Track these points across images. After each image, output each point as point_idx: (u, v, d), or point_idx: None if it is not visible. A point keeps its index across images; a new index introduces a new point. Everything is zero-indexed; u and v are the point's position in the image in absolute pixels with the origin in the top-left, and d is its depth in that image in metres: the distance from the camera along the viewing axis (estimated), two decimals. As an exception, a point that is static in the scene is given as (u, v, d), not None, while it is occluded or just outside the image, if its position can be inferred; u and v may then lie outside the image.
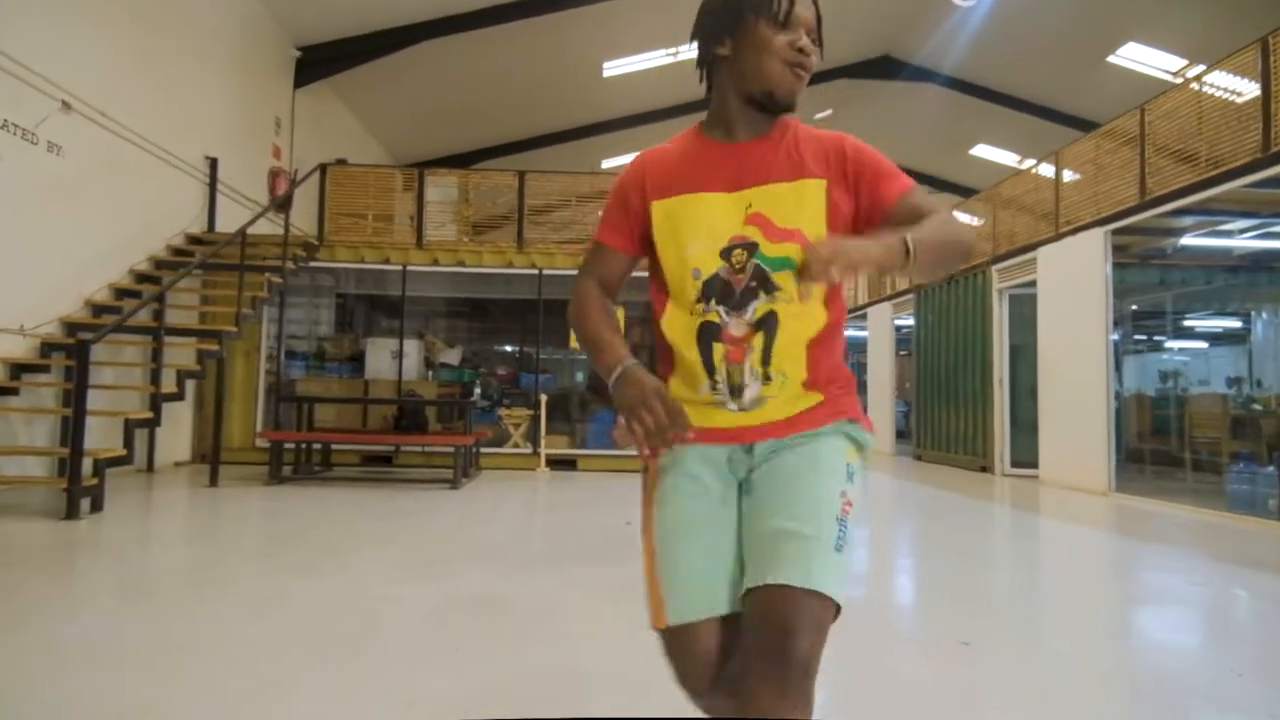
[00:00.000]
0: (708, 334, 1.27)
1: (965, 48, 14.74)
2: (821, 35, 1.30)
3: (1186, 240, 8.48)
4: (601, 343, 1.30)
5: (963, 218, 12.09)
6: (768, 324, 1.25)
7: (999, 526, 6.47)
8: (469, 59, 12.75)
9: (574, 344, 9.91)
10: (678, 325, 1.30)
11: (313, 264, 9.28)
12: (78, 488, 5.00)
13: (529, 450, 9.27)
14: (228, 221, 9.39)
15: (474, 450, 8.52)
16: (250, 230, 8.28)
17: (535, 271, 9.55)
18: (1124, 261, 9.18)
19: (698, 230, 1.28)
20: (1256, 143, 6.03)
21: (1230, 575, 4.50)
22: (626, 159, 15.98)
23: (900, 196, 1.26)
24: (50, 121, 6.61)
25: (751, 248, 1.26)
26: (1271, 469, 6.18)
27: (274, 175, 11.11)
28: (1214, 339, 17.85)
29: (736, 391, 1.26)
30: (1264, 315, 11.83)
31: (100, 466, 5.29)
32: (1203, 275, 10.03)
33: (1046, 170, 9.49)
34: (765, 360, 1.25)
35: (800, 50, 1.25)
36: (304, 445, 8.24)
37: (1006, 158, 17.74)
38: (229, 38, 9.62)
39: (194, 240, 8.83)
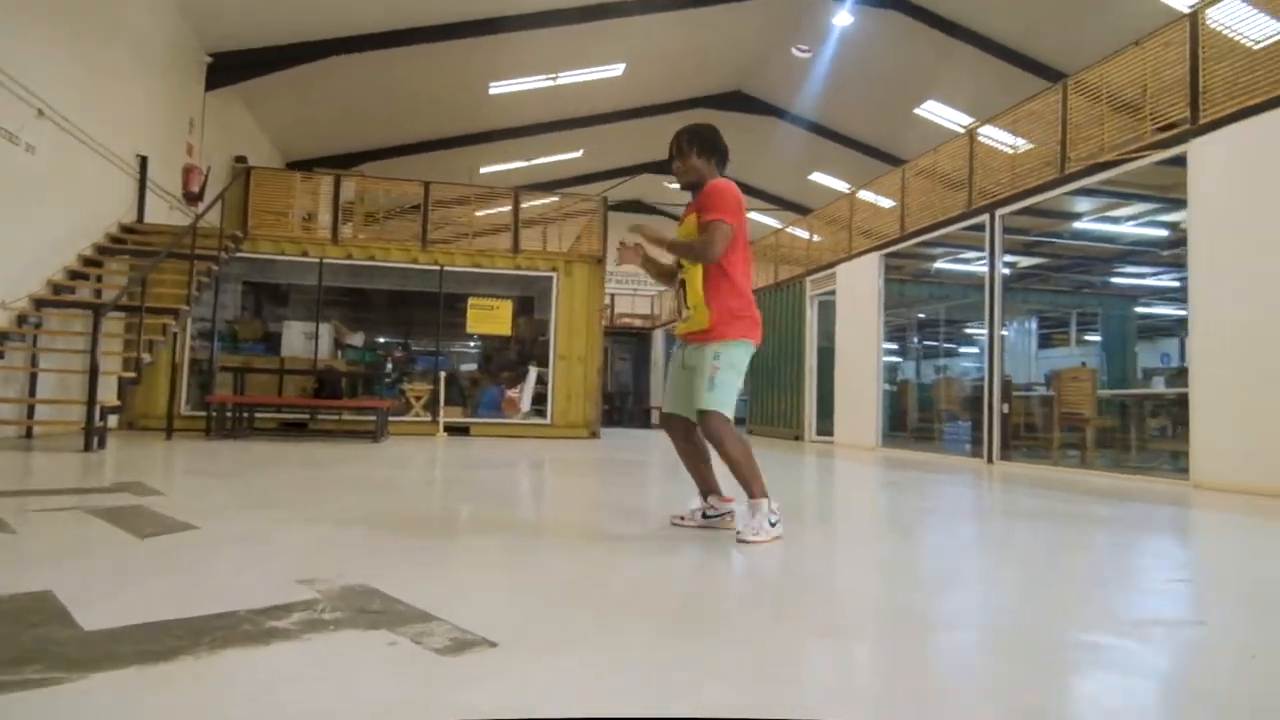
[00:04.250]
0: (677, 288, 3.24)
1: (805, 91, 17.57)
2: (683, 151, 3.22)
3: (943, 265, 11.37)
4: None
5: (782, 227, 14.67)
6: (682, 285, 3.18)
7: (798, 465, 8.86)
8: (367, 73, 14.08)
9: (470, 329, 11.70)
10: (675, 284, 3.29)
11: (240, 255, 10.55)
12: (93, 427, 6.39)
13: (429, 419, 10.96)
14: (153, 213, 10.50)
15: (385, 415, 10.13)
16: (172, 222, 9.51)
17: (437, 268, 11.26)
18: (902, 279, 11.99)
19: None
20: (965, 199, 8.78)
21: (920, 477, 7.01)
22: (503, 166, 17.94)
23: (702, 225, 3.08)
24: (29, 126, 7.76)
25: None
26: (968, 424, 8.96)
27: (187, 171, 12.13)
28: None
29: (680, 311, 3.25)
30: (1012, 325, 15.21)
31: (105, 413, 6.66)
32: (961, 291, 13.09)
33: (863, 198, 12.20)
34: (686, 301, 3.17)
35: (674, 174, 3.26)
36: (233, 411, 9.57)
37: (839, 184, 20.73)
38: (156, 46, 10.67)
39: (127, 230, 9.90)
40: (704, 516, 3.28)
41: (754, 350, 3.17)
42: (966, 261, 11.19)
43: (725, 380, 3.01)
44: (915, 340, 16.39)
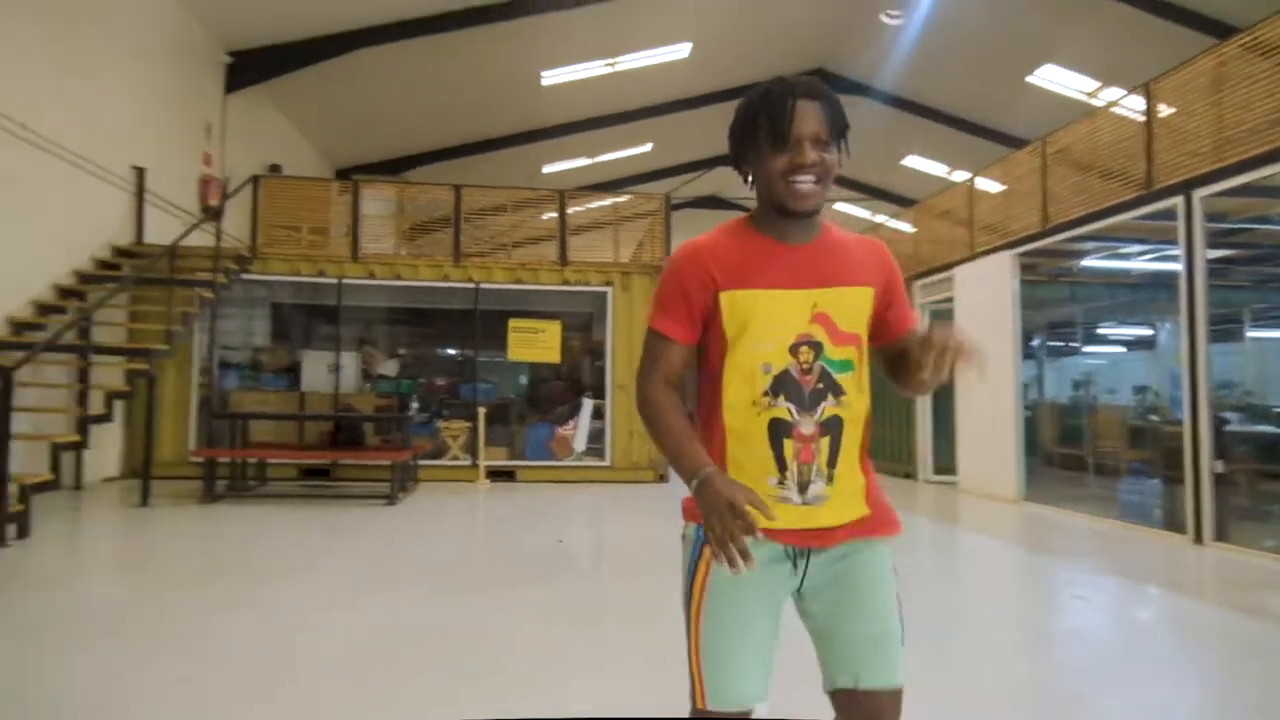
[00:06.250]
0: (779, 430, 1.32)
1: (896, 64, 15.29)
2: (840, 137, 1.34)
3: (1089, 261, 9.09)
4: (682, 452, 1.29)
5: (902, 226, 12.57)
6: (833, 427, 1.33)
7: (912, 548, 6.83)
8: (406, 66, 12.71)
9: (512, 356, 10.07)
10: (741, 416, 1.34)
11: (245, 277, 9.19)
12: (4, 514, 4.96)
13: (468, 462, 9.36)
14: (158, 232, 9.23)
15: (412, 464, 8.57)
16: (182, 242, 8.20)
17: (473, 285, 9.66)
18: (1035, 279, 9.73)
19: (769, 324, 1.33)
20: (1141, 178, 6.56)
21: (1116, 588, 4.92)
22: (567, 165, 16.06)
23: (909, 328, 1.44)
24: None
25: (817, 348, 1.32)
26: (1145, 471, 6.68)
27: (205, 183, 10.93)
28: (1127, 345, 18.94)
29: (803, 488, 1.32)
30: (1166, 325, 12.62)
31: (27, 493, 5.24)
32: (1107, 291, 10.70)
33: (981, 186, 10.00)
34: (831, 462, 1.33)
35: (798, 166, 1.29)
36: (239, 461, 8.18)
37: (936, 168, 18.37)
38: (150, 42, 9.37)
39: (121, 253, 8.66)
40: None
41: None
42: (1126, 257, 8.87)
43: None
44: (1038, 344, 13.90)
